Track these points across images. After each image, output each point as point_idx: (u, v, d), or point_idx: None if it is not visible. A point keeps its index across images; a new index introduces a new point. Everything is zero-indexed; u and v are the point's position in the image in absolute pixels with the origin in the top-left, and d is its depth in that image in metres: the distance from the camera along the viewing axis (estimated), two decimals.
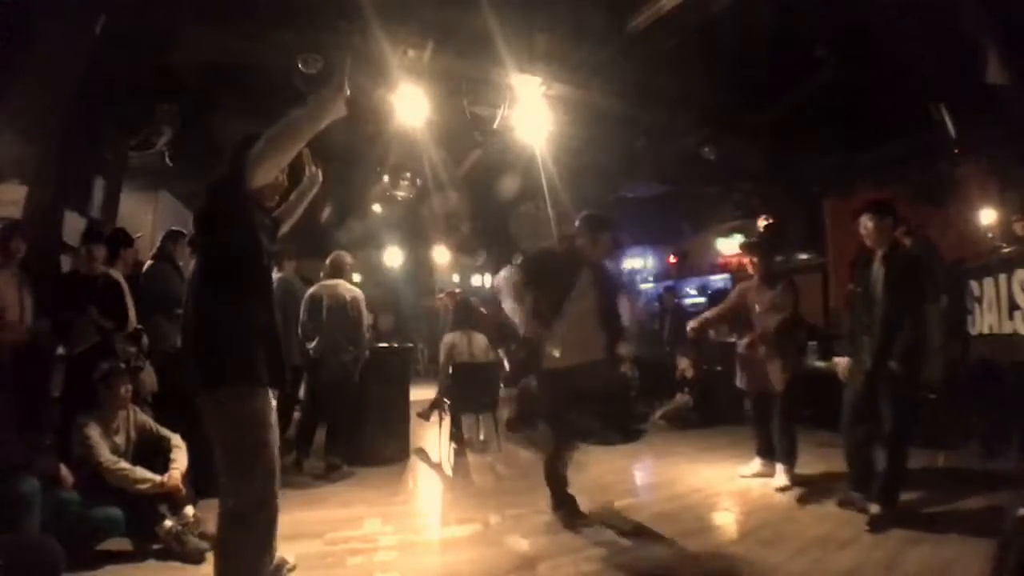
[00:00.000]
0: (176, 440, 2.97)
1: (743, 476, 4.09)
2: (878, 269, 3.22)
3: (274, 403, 2.11)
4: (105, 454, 2.71)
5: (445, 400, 5.20)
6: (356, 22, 4.42)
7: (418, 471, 4.57)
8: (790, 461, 3.87)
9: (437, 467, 4.68)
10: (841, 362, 3.42)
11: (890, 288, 3.13)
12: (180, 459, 2.87)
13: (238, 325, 1.93)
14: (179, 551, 2.63)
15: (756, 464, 4.12)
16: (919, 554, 2.74)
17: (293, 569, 2.43)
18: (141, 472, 2.73)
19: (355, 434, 4.43)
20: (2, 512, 2.30)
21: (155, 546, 2.71)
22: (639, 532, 3.11)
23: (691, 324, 4.29)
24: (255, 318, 1.98)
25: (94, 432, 2.74)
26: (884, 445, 3.13)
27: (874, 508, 3.09)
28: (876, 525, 3.01)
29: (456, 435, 4.99)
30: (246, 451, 1.93)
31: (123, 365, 3.06)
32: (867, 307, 3.23)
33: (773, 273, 4.17)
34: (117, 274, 3.82)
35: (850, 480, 3.40)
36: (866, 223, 3.23)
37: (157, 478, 2.73)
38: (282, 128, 1.92)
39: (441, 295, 10.13)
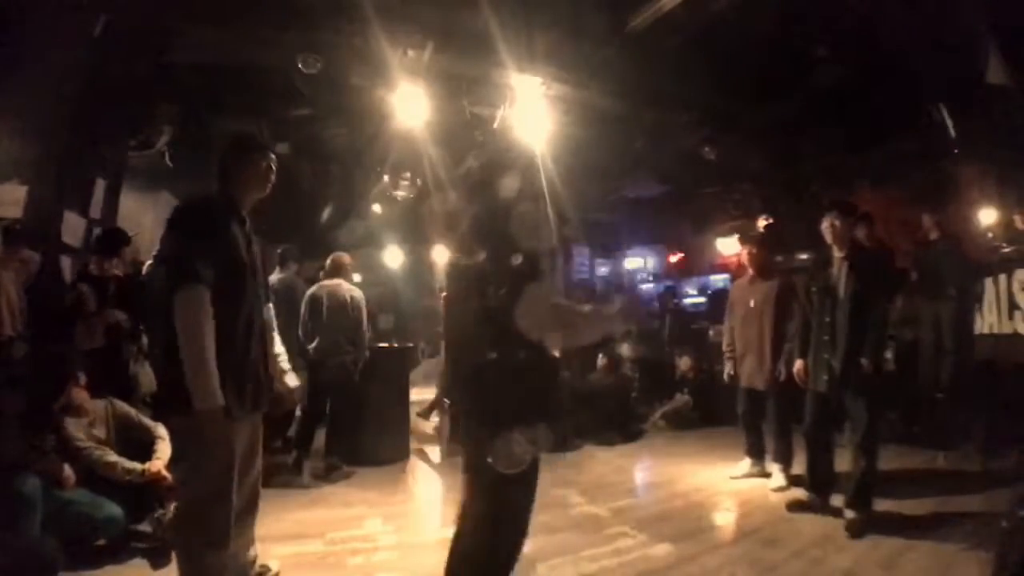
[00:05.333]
0: (160, 431, 2.96)
1: (733, 477, 4.08)
2: (839, 268, 3.22)
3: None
4: (85, 442, 2.73)
5: (445, 400, 5.20)
6: (356, 22, 4.42)
7: (418, 471, 4.57)
8: (786, 461, 3.87)
9: (437, 467, 4.67)
10: (798, 364, 3.41)
11: (854, 287, 3.13)
12: (163, 449, 2.86)
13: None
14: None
15: (745, 464, 4.12)
16: (918, 554, 2.74)
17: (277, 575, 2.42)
18: (123, 461, 2.75)
19: (355, 434, 4.43)
20: (3, 512, 2.30)
21: (150, 544, 2.72)
22: (639, 532, 3.11)
23: (727, 353, 4.22)
24: (218, 331, 1.83)
25: (70, 425, 2.76)
26: (855, 447, 3.10)
27: (850, 513, 3.06)
28: (855, 529, 2.98)
29: (456, 435, 4.98)
30: (188, 506, 1.81)
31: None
32: (828, 307, 3.22)
33: (770, 268, 4.18)
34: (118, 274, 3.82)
35: (809, 483, 3.40)
36: (833, 222, 3.22)
37: (139, 466, 2.74)
38: (183, 336, 1.77)
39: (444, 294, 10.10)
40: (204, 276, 1.79)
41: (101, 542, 2.66)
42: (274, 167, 2.16)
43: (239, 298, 1.94)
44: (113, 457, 2.75)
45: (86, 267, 3.86)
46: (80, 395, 2.89)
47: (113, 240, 3.90)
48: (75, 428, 2.77)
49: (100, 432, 2.89)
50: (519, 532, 1.73)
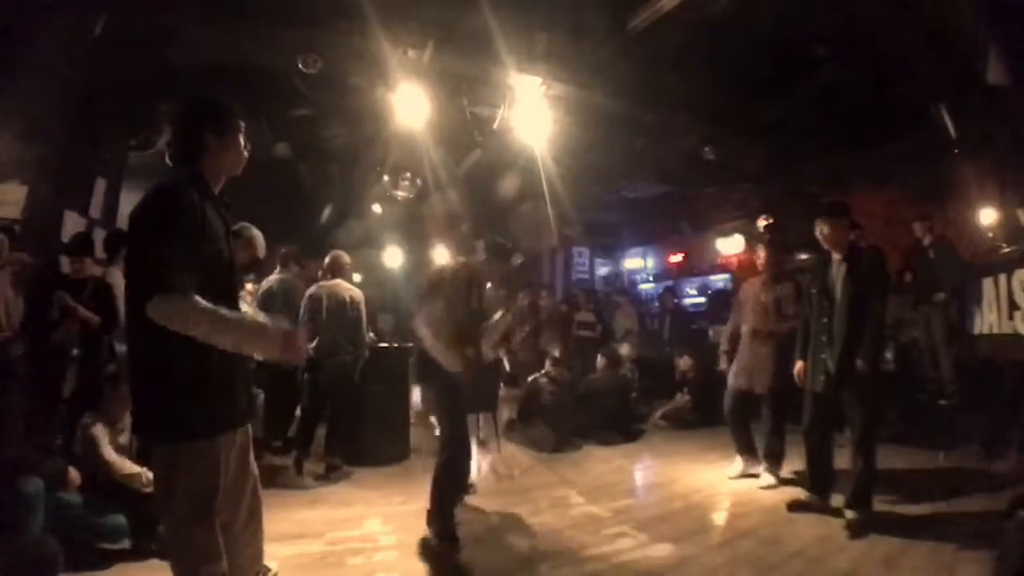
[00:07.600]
0: None
1: (730, 477, 4.08)
2: (837, 270, 3.23)
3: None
4: (109, 452, 2.73)
5: None
6: (356, 22, 4.42)
7: (418, 471, 4.56)
8: (776, 460, 3.89)
9: None
10: (797, 365, 3.41)
11: (852, 288, 3.13)
12: None
13: (168, 361, 1.60)
14: None
15: (739, 464, 4.12)
16: (919, 554, 2.75)
17: None
18: (146, 472, 2.73)
19: (355, 434, 4.43)
20: (6, 513, 2.30)
21: (155, 547, 2.71)
22: (639, 532, 3.11)
23: (724, 348, 4.25)
24: (191, 349, 1.59)
25: (99, 431, 2.77)
26: (854, 447, 3.10)
27: (850, 513, 3.07)
28: (855, 529, 2.99)
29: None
30: (172, 529, 1.67)
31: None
32: (826, 308, 3.23)
33: (782, 270, 4.15)
34: (116, 274, 3.82)
35: (808, 483, 3.41)
36: (821, 227, 3.23)
37: None
38: (201, 318, 1.54)
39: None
40: (182, 284, 1.53)
41: (117, 546, 2.67)
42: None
43: (223, 298, 1.66)
44: (134, 468, 2.75)
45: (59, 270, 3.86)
46: (124, 400, 2.90)
47: (85, 241, 3.90)
48: (103, 434, 2.77)
49: (124, 439, 2.90)
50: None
